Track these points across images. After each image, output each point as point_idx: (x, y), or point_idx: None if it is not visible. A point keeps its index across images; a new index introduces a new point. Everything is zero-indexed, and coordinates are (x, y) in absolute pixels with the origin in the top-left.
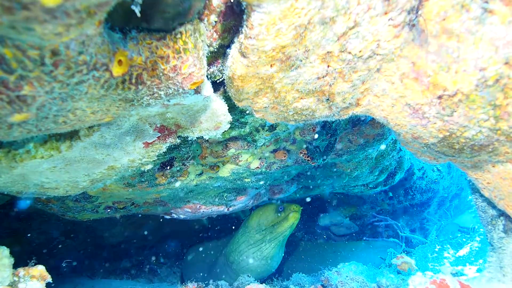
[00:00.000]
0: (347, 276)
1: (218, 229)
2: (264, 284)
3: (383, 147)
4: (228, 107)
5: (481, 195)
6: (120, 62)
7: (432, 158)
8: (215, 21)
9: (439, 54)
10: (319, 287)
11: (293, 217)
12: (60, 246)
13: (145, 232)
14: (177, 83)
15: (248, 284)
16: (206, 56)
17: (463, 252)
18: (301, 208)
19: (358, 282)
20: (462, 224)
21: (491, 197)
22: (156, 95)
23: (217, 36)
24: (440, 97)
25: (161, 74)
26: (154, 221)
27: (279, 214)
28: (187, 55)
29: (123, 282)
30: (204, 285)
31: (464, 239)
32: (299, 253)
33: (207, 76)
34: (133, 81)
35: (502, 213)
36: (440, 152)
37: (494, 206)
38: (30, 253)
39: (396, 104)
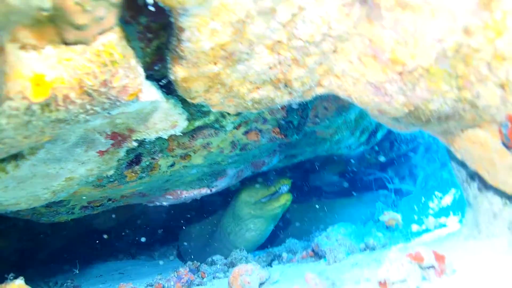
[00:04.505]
0: (336, 240)
1: (211, 205)
2: (257, 257)
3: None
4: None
5: (455, 156)
6: (38, 85)
7: (403, 128)
8: (146, 21)
9: (395, 28)
10: (310, 253)
11: (284, 199)
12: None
13: (137, 218)
14: (112, 97)
15: (240, 258)
16: (148, 56)
17: (446, 201)
18: (291, 181)
19: (346, 246)
20: (450, 168)
21: (463, 160)
22: (91, 111)
23: (152, 36)
24: (400, 73)
25: (90, 91)
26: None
27: (268, 187)
28: (116, 67)
29: (123, 263)
30: (199, 264)
31: (448, 185)
32: (293, 216)
33: (152, 75)
34: (60, 102)
35: (476, 172)
36: (409, 124)
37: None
38: (19, 251)
39: (358, 83)
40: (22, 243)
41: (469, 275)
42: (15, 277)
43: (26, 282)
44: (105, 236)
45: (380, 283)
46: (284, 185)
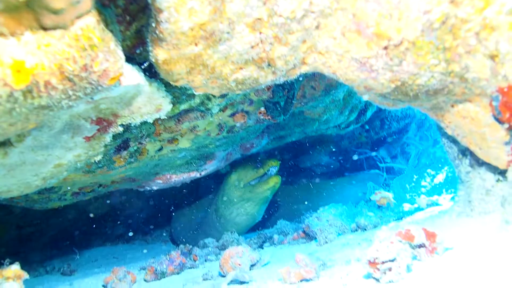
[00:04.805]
0: (327, 220)
1: (203, 189)
2: (248, 240)
3: None
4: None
5: (446, 132)
6: (19, 72)
7: (391, 104)
8: (124, 4)
9: (379, 1)
10: (301, 234)
11: (273, 181)
12: (44, 224)
13: (129, 203)
14: (93, 82)
15: (232, 241)
16: (129, 39)
17: (439, 179)
18: (279, 162)
19: (336, 227)
20: (442, 145)
21: (454, 135)
22: (74, 97)
23: (131, 18)
24: (385, 48)
25: (71, 76)
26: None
27: (257, 170)
28: (95, 51)
29: (118, 247)
30: (191, 247)
31: (441, 163)
32: (284, 198)
33: (134, 58)
34: (42, 88)
35: (467, 148)
36: (396, 100)
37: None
38: (17, 237)
39: (342, 60)
40: (20, 229)
41: (461, 253)
42: (11, 263)
43: (23, 267)
44: (91, 215)
45: (369, 262)
46: (273, 167)
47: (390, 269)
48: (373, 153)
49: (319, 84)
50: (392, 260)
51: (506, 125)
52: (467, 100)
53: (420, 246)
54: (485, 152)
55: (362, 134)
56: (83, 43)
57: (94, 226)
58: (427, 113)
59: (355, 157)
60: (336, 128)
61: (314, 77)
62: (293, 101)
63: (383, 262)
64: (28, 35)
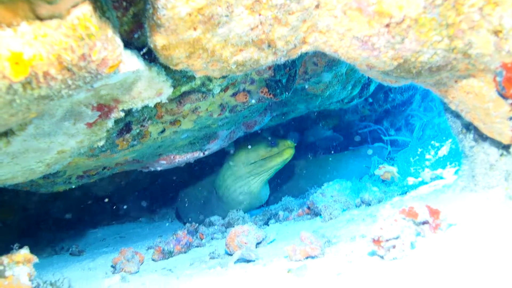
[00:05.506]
0: (332, 196)
1: (208, 167)
2: (254, 217)
3: None
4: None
5: (450, 107)
6: (17, 64)
7: (394, 81)
8: None
9: None
10: (306, 210)
11: (287, 153)
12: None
13: (135, 181)
14: (92, 71)
15: (237, 218)
16: (126, 24)
17: (442, 151)
18: (295, 144)
19: (341, 202)
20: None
21: (457, 110)
22: (73, 86)
23: (127, 4)
24: (387, 26)
25: (70, 66)
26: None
27: (271, 149)
28: (93, 40)
29: (125, 226)
30: (197, 226)
31: (446, 135)
32: (288, 173)
33: (133, 42)
34: (41, 79)
35: (471, 123)
36: (399, 77)
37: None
38: (25, 219)
39: (344, 38)
40: (26, 211)
41: (465, 229)
42: (21, 247)
43: (32, 248)
44: (106, 200)
45: (374, 240)
46: (289, 147)
47: (394, 247)
48: (376, 126)
49: (321, 60)
50: (396, 238)
51: (510, 101)
52: (471, 75)
53: (424, 223)
54: (488, 127)
55: (365, 107)
56: (80, 32)
57: (100, 205)
58: (431, 89)
59: (360, 131)
60: (339, 103)
61: (316, 53)
62: (295, 79)
63: (387, 240)
64: (24, 26)
